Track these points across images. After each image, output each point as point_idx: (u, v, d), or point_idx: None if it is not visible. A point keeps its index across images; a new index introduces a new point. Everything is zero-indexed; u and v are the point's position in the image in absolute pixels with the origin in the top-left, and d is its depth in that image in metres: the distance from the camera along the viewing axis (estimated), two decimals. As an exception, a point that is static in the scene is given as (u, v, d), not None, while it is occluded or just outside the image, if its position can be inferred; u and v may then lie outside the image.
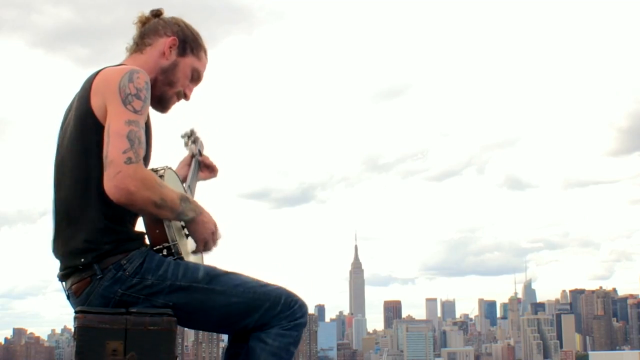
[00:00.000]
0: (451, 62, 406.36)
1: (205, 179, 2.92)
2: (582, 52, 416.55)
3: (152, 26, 2.41)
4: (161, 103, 2.42)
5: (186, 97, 2.46)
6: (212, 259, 2.47)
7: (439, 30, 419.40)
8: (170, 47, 2.38)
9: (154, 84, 2.33)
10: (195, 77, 2.46)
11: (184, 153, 2.92)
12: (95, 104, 2.17)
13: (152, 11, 2.45)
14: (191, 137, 2.95)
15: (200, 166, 2.90)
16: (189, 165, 2.84)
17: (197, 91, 2.44)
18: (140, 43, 2.40)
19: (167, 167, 2.41)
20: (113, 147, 2.08)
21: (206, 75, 2.48)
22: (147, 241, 2.26)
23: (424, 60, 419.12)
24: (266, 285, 2.32)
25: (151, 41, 2.39)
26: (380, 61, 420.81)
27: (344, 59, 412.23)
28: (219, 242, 2.35)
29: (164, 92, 2.40)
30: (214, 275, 2.26)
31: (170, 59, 2.39)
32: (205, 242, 2.30)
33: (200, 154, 2.95)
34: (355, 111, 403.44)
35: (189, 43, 2.42)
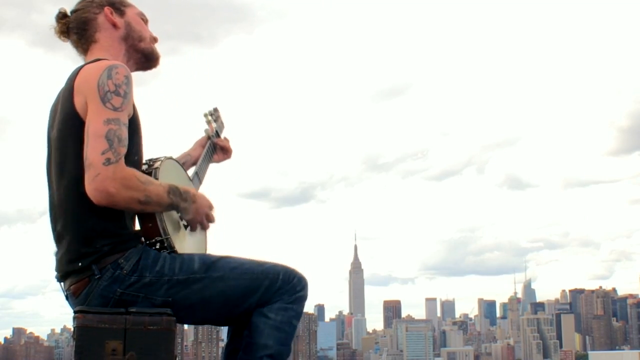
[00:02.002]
0: (452, 62, 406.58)
1: (218, 161, 2.95)
2: (582, 51, 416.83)
3: (79, 21, 2.39)
4: (149, 59, 2.47)
5: (155, 39, 2.50)
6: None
7: (440, 30, 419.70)
8: (112, 15, 2.39)
9: (130, 52, 2.40)
10: (145, 20, 2.51)
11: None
12: (78, 103, 2.15)
13: (58, 15, 2.42)
14: (213, 116, 2.96)
15: (216, 149, 2.92)
16: (204, 146, 2.86)
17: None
18: (88, 37, 2.38)
19: (166, 157, 2.38)
20: (91, 149, 2.06)
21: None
22: (142, 238, 2.24)
23: (425, 59, 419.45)
24: (263, 263, 2.33)
25: (93, 29, 2.38)
26: (380, 61, 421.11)
27: (344, 59, 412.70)
28: (215, 219, 2.36)
29: (143, 48, 2.44)
30: (210, 263, 2.26)
31: (121, 24, 2.40)
32: (200, 224, 2.34)
33: (218, 134, 2.96)
34: (355, 111, 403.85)
35: (116, 3, 2.44)
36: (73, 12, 2.42)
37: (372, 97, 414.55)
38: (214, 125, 2.95)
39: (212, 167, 2.93)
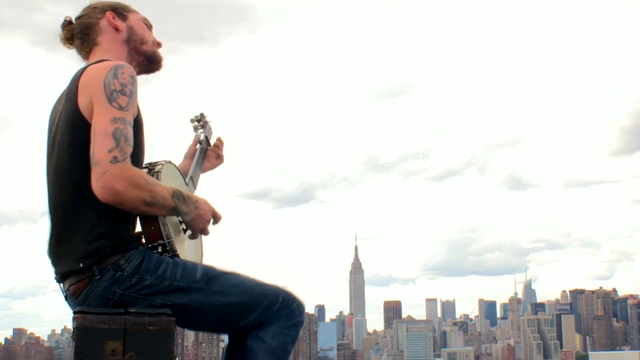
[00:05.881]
0: (453, 62, 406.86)
1: (211, 168, 2.90)
2: (584, 51, 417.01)
3: (82, 27, 2.42)
4: (152, 61, 2.48)
5: (159, 43, 2.51)
6: (213, 259, 2.46)
7: (441, 30, 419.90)
8: (114, 20, 2.41)
9: (132, 54, 2.42)
10: (149, 25, 2.52)
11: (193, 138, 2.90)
12: (82, 103, 2.15)
13: (64, 23, 2.45)
14: (200, 122, 2.91)
15: (206, 155, 2.87)
16: (192, 158, 2.82)
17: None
18: (90, 41, 2.40)
19: (166, 161, 2.37)
20: (98, 147, 2.06)
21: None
22: (143, 240, 2.23)
23: (426, 60, 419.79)
24: (264, 284, 2.32)
25: (95, 32, 2.40)
26: (382, 61, 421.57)
27: (346, 59, 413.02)
28: (218, 224, 2.36)
29: (145, 51, 2.45)
30: (212, 276, 2.25)
31: (123, 27, 2.41)
32: (202, 230, 2.31)
33: (208, 140, 2.91)
34: (357, 111, 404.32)
35: (119, 9, 2.46)
36: (77, 18, 2.44)
37: (374, 97, 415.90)
38: (201, 131, 2.89)
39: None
